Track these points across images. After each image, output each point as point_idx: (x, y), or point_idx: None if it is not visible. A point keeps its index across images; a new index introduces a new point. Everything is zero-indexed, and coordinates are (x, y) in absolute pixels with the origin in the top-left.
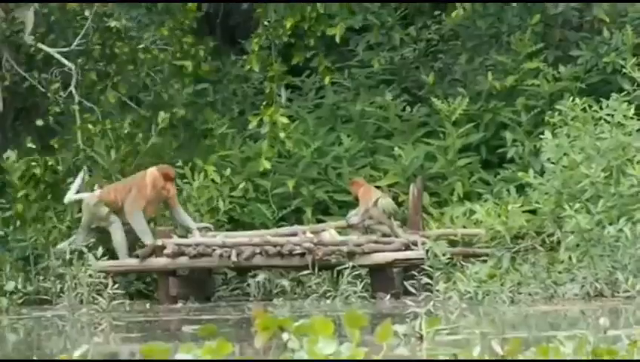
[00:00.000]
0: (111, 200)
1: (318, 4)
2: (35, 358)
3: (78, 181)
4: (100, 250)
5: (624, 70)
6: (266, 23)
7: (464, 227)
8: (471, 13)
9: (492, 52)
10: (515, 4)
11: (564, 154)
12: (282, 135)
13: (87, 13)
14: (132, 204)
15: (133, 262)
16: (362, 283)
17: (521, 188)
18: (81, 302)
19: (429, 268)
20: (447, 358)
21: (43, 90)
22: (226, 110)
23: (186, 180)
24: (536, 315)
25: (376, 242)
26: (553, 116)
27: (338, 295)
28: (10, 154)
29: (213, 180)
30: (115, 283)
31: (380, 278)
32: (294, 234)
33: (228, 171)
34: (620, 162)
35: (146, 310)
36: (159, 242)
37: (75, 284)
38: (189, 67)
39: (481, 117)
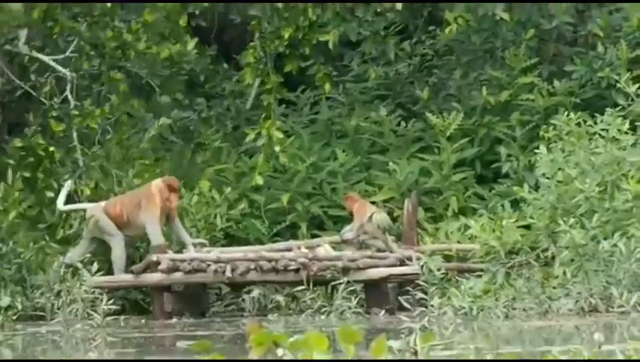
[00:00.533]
0: (117, 213)
1: (310, 12)
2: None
3: (65, 189)
4: (95, 266)
5: (618, 85)
6: (260, 34)
7: (459, 242)
8: (465, 29)
9: (486, 67)
10: (509, 19)
11: (559, 169)
12: (277, 148)
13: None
14: (147, 213)
15: (127, 278)
16: (357, 299)
17: (515, 203)
18: (76, 317)
19: (423, 284)
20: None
21: (36, 95)
22: (220, 125)
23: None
24: (531, 330)
25: (370, 257)
26: (548, 131)
27: (333, 310)
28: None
29: (213, 197)
30: (110, 298)
31: (375, 294)
32: (289, 250)
33: (228, 189)
34: (614, 177)
35: (140, 325)
36: (154, 257)
37: (70, 300)
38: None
39: (475, 132)
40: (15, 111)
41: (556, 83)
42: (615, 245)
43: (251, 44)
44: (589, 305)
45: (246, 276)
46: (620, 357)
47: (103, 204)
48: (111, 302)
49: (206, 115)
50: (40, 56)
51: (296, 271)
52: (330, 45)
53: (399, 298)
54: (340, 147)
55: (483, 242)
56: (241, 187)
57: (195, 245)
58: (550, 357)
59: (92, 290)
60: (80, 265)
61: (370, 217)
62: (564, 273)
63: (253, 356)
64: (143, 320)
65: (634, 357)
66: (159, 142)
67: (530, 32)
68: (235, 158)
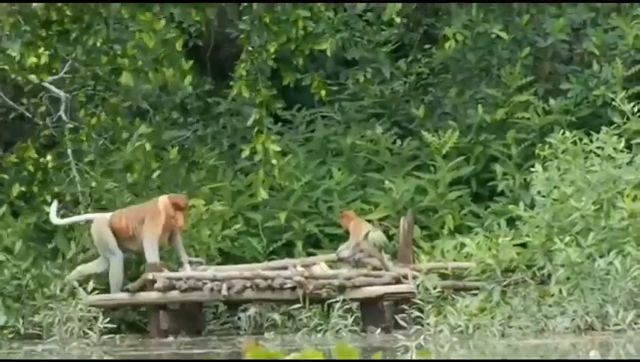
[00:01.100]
0: (122, 227)
1: (301, 24)
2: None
3: (54, 205)
4: (91, 284)
5: (614, 103)
6: (250, 48)
7: (455, 260)
8: (461, 47)
9: (482, 85)
10: (505, 37)
11: (555, 187)
12: (274, 161)
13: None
14: (148, 230)
15: (123, 296)
16: (353, 317)
17: (511, 222)
18: (72, 336)
19: (419, 302)
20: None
21: (30, 115)
22: (215, 144)
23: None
24: (527, 349)
25: (366, 275)
26: (543, 149)
27: (329, 328)
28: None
29: (208, 216)
30: (105, 317)
31: (371, 312)
32: (285, 268)
33: (219, 207)
34: (610, 195)
35: (136, 344)
36: (150, 276)
37: (66, 318)
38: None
39: (471, 150)
40: (10, 130)
41: (552, 101)
42: (611, 263)
43: (242, 57)
44: (585, 323)
45: (242, 294)
46: None
47: (108, 216)
48: (107, 320)
49: (202, 134)
50: (34, 78)
51: (293, 289)
52: (328, 52)
53: (395, 316)
54: (335, 165)
55: (479, 260)
56: (237, 205)
57: (191, 263)
58: None
59: (88, 309)
60: (76, 284)
61: (366, 235)
62: (560, 291)
63: None
64: (139, 339)
65: None
66: (156, 159)
67: (526, 50)
68: (230, 177)
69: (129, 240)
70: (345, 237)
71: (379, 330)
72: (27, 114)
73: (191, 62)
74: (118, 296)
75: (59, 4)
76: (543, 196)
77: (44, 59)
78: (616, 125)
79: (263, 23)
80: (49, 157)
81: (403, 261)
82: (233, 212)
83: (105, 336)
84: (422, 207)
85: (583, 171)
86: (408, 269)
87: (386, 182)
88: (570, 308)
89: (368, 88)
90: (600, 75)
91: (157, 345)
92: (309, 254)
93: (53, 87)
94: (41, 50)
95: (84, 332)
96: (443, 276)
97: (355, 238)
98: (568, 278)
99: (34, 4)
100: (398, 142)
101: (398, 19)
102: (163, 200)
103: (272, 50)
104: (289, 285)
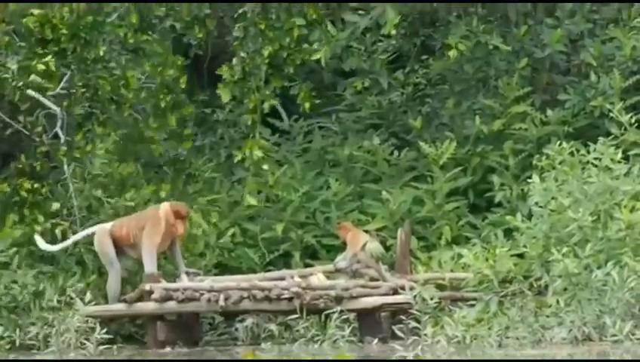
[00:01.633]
0: (123, 235)
1: (296, 31)
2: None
3: (39, 239)
4: (88, 295)
5: (611, 114)
6: (242, 54)
7: (452, 271)
8: (459, 58)
9: (480, 96)
10: (506, 48)
11: (552, 198)
12: (265, 167)
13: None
14: (147, 239)
15: (120, 307)
16: (350, 328)
17: (508, 232)
18: (69, 347)
19: (416, 312)
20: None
21: (27, 132)
22: (213, 155)
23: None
24: (524, 359)
25: (364, 286)
26: (541, 160)
27: (326, 339)
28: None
29: (205, 229)
30: (103, 327)
31: (368, 322)
32: (282, 279)
33: (215, 217)
34: (607, 206)
35: (134, 354)
36: (147, 287)
37: (63, 329)
38: (167, 99)
39: (468, 161)
40: (6, 144)
41: (549, 112)
42: (608, 274)
43: (233, 60)
44: (583, 334)
45: (239, 305)
46: None
47: (109, 226)
48: (104, 331)
49: (199, 144)
50: (31, 92)
51: (290, 300)
52: (323, 62)
53: (392, 327)
54: (333, 176)
55: (476, 271)
56: (234, 216)
57: (188, 274)
58: None
59: (85, 320)
60: (73, 294)
61: (364, 246)
62: (558, 302)
63: None
64: (136, 349)
65: None
66: (153, 171)
67: (524, 61)
68: (227, 188)
69: (130, 248)
70: (342, 247)
71: (376, 341)
72: (25, 131)
73: (191, 107)
74: (116, 307)
75: (54, 22)
76: (541, 207)
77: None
78: (613, 136)
79: (257, 29)
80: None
81: (400, 272)
82: (230, 223)
83: (102, 347)
84: (419, 218)
85: (580, 182)
86: (405, 280)
87: (384, 192)
88: (567, 319)
89: (366, 99)
90: (597, 86)
91: (154, 356)
92: (307, 265)
93: (49, 103)
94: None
95: (81, 343)
96: (440, 287)
97: (353, 249)
98: (566, 289)
99: (25, 20)
100: (396, 152)
101: (394, 32)
102: (164, 207)
103: (265, 54)
104: (286, 296)
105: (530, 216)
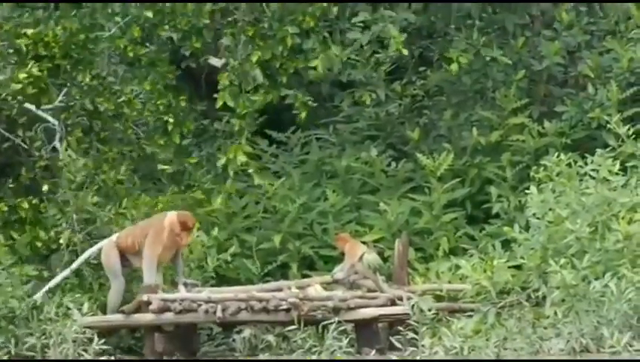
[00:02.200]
0: (129, 245)
1: (289, 41)
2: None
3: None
4: (86, 306)
5: (609, 126)
6: (233, 62)
7: (450, 282)
8: (461, 67)
9: (477, 107)
10: (506, 60)
11: (550, 209)
12: (251, 171)
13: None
14: (148, 248)
15: (118, 318)
16: (348, 339)
17: (506, 244)
18: (67, 357)
19: (414, 323)
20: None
21: (26, 146)
22: (211, 166)
23: None
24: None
25: (361, 297)
26: (538, 171)
27: (324, 350)
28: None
29: (203, 241)
30: (100, 338)
31: (366, 333)
32: (280, 290)
33: (216, 231)
34: (605, 217)
35: None
36: (145, 298)
37: (61, 340)
38: (171, 120)
39: (466, 172)
40: (4, 157)
41: (547, 124)
42: (606, 285)
43: (222, 72)
44: (580, 345)
45: (237, 316)
46: None
47: (114, 238)
48: (102, 342)
49: (197, 155)
50: (29, 106)
51: (287, 311)
52: (320, 69)
53: (390, 338)
54: (330, 187)
55: (474, 282)
56: (232, 227)
57: (186, 285)
58: None
59: (83, 331)
60: (71, 305)
61: (361, 257)
62: (555, 313)
63: None
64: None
65: None
66: (151, 182)
67: (521, 72)
68: (225, 198)
69: (136, 257)
70: (340, 258)
71: (373, 352)
72: (23, 145)
73: (192, 124)
74: (113, 318)
75: (45, 40)
76: (538, 218)
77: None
78: (611, 148)
79: (247, 36)
80: (43, 202)
81: (398, 283)
82: (228, 234)
83: (100, 357)
84: (417, 229)
85: (577, 193)
86: (403, 291)
87: (381, 204)
88: (565, 330)
89: (363, 110)
90: (595, 97)
91: None
92: (304, 276)
93: (47, 116)
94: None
95: (78, 353)
96: (438, 298)
97: (350, 260)
98: (563, 300)
99: (19, 41)
100: (393, 164)
101: (405, 51)
102: (170, 217)
103: (254, 60)
104: (284, 307)
105: (527, 228)
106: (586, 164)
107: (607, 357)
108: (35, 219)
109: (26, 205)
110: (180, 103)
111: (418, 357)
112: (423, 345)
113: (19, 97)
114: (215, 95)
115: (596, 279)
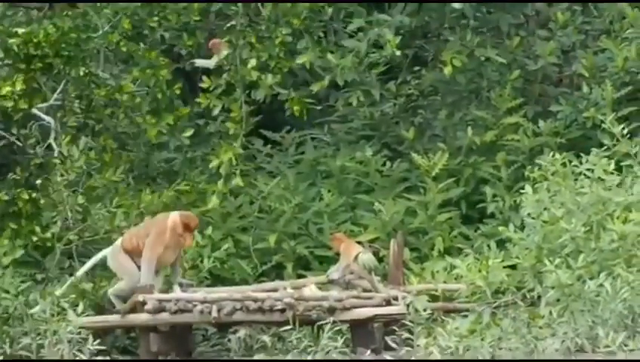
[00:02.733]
0: (134, 246)
1: (280, 38)
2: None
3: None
4: (81, 306)
5: (604, 125)
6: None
7: (445, 282)
8: (455, 68)
9: (472, 107)
10: (501, 60)
11: (545, 209)
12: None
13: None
14: (148, 248)
15: (114, 318)
16: (343, 339)
17: (501, 243)
18: (62, 358)
19: (409, 323)
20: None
21: (20, 144)
22: (205, 166)
23: None
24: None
25: (356, 297)
26: (533, 171)
27: (319, 350)
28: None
29: (198, 242)
30: (96, 338)
31: (361, 333)
32: (275, 290)
33: (210, 230)
34: (600, 217)
35: None
36: (140, 298)
37: (56, 340)
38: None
39: (461, 172)
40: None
41: (541, 123)
42: (601, 285)
43: (224, 76)
44: (575, 345)
45: (232, 316)
46: None
47: (119, 242)
48: (97, 342)
49: (191, 156)
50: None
51: (283, 311)
52: (308, 65)
53: (385, 338)
54: (325, 187)
55: (469, 282)
56: (227, 227)
57: (181, 285)
58: None
59: (78, 331)
60: (66, 305)
61: (356, 257)
62: (550, 313)
63: None
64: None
65: None
66: (144, 183)
67: (516, 72)
68: (220, 198)
69: (140, 257)
70: (335, 259)
71: (369, 352)
72: (18, 143)
73: (187, 109)
74: (109, 318)
75: (35, 40)
76: (533, 218)
77: (19, 86)
78: (606, 147)
79: (246, 42)
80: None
81: (393, 283)
82: (223, 234)
83: (95, 358)
84: (412, 229)
85: (572, 193)
86: (398, 291)
87: (376, 203)
88: (560, 330)
89: (358, 110)
90: (590, 97)
91: None
92: (299, 276)
93: (41, 114)
94: (15, 78)
95: (74, 354)
96: (433, 298)
97: (346, 260)
98: (558, 300)
99: (11, 41)
100: (388, 164)
101: (398, 52)
102: (173, 217)
103: (249, 65)
104: (279, 307)
105: (522, 227)
106: (580, 163)
107: (602, 357)
108: (32, 213)
109: (25, 196)
110: (174, 91)
111: (413, 358)
112: (418, 345)
113: (14, 96)
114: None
115: (591, 279)
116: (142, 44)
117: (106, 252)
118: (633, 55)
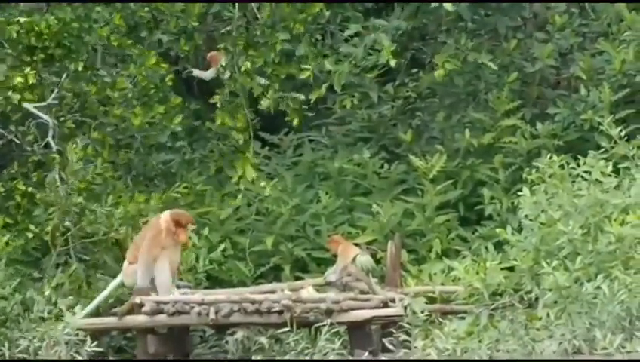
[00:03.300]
0: (135, 256)
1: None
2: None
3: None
4: (79, 308)
5: (601, 127)
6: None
7: (442, 284)
8: (448, 73)
9: (470, 109)
10: (494, 67)
11: (542, 211)
12: (266, 192)
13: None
14: (144, 250)
15: (111, 320)
16: (340, 341)
17: (499, 245)
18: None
19: (407, 325)
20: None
21: (19, 142)
22: (203, 167)
23: None
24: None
25: (354, 299)
26: (531, 173)
27: (316, 352)
28: None
29: (195, 244)
30: (93, 340)
31: (358, 335)
32: (273, 292)
33: (206, 231)
34: (597, 219)
35: None
36: (137, 300)
37: (53, 342)
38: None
39: (458, 174)
40: None
41: (539, 125)
42: (598, 287)
43: (221, 89)
44: (573, 347)
45: (230, 318)
46: None
47: (126, 263)
48: (94, 344)
49: (189, 158)
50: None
51: (280, 313)
52: (311, 79)
53: (383, 339)
54: (323, 189)
55: (466, 284)
56: (225, 229)
57: (179, 287)
58: None
59: (76, 333)
60: (64, 307)
61: (354, 259)
62: (548, 315)
63: None
64: None
65: None
66: (143, 184)
67: (513, 75)
68: (218, 201)
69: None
70: (332, 261)
71: (366, 354)
72: (16, 140)
73: (179, 99)
74: (106, 320)
75: (37, 30)
76: (531, 220)
77: (31, 80)
78: (603, 149)
79: (241, 47)
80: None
81: (390, 285)
82: (220, 236)
83: (93, 360)
84: (409, 231)
85: (570, 195)
86: (396, 293)
87: (374, 206)
88: (557, 332)
89: (356, 112)
90: (587, 99)
91: None
92: (297, 278)
93: (39, 113)
94: (27, 71)
95: (72, 356)
96: (431, 299)
97: (343, 262)
98: (556, 302)
99: (10, 27)
100: (386, 166)
101: (393, 61)
102: (164, 216)
103: (244, 69)
104: (276, 309)
105: (520, 229)
106: (578, 165)
107: (599, 359)
108: (28, 210)
109: (22, 186)
110: (166, 83)
111: (411, 359)
112: (415, 347)
113: (12, 94)
114: (211, 100)
115: (589, 281)
116: (140, 46)
117: (120, 279)
118: (631, 57)
